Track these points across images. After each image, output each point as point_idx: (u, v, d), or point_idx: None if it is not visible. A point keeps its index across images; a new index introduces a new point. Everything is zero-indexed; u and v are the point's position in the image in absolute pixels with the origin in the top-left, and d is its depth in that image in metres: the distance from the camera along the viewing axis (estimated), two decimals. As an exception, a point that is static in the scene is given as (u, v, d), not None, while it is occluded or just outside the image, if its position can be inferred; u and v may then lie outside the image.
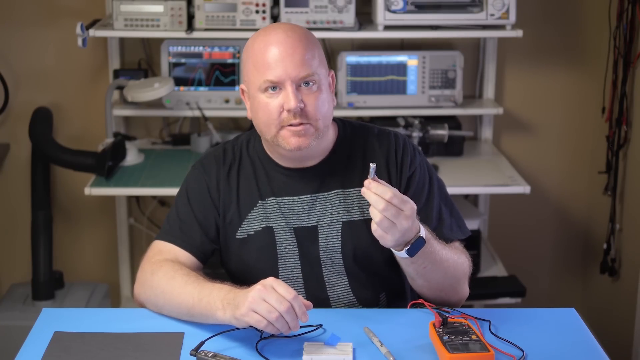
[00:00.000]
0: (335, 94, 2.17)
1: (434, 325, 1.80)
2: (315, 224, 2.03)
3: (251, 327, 1.76)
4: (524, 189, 3.20)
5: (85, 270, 3.81)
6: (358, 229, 2.02)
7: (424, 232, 1.85)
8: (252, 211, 2.04)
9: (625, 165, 3.50)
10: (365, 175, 1.99)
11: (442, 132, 3.39)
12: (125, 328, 1.87)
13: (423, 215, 2.00)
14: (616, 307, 3.55)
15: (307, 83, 1.91)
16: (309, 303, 1.75)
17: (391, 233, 1.79)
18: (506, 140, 3.77)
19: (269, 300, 1.71)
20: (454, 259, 1.96)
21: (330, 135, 2.04)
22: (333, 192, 2.03)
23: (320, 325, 1.86)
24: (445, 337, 1.76)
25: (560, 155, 3.81)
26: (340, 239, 2.02)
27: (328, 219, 2.03)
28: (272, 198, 2.03)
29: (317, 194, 2.03)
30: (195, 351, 1.74)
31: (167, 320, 1.91)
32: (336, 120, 2.09)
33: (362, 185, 2.01)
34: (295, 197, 2.03)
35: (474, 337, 1.76)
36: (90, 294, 3.50)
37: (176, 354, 1.77)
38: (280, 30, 1.94)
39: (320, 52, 1.97)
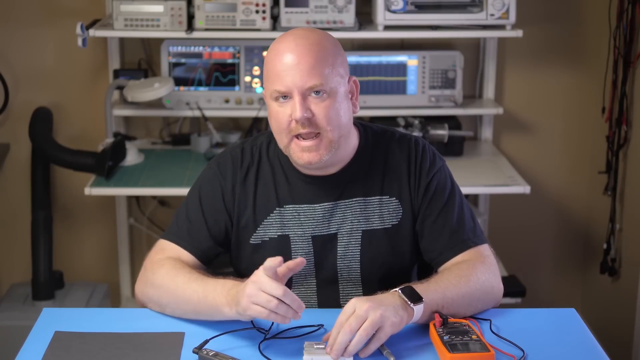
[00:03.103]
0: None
1: (434, 325, 1.80)
2: (335, 231, 2.01)
3: (252, 323, 1.77)
4: (524, 189, 3.20)
5: (85, 270, 3.81)
6: (378, 238, 2.01)
7: (418, 308, 1.79)
8: (268, 217, 2.02)
9: (625, 165, 3.50)
10: (386, 182, 1.98)
11: (442, 132, 3.39)
12: (125, 328, 1.87)
13: (442, 219, 2.00)
14: (616, 307, 3.55)
15: (316, 92, 1.88)
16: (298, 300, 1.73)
17: (376, 340, 1.73)
18: (506, 140, 3.77)
19: (265, 289, 1.70)
20: (469, 289, 1.88)
21: (352, 142, 2.01)
22: (354, 199, 2.01)
23: (322, 326, 1.86)
24: (446, 337, 1.76)
25: (560, 155, 3.81)
26: (359, 248, 2.01)
27: (348, 227, 2.01)
28: (291, 205, 2.01)
29: (337, 202, 2.01)
30: (198, 349, 1.75)
31: (168, 319, 1.91)
32: (357, 125, 2.06)
33: (383, 194, 2.00)
34: (316, 205, 2.01)
35: (474, 337, 1.76)
36: (90, 294, 3.50)
37: (177, 354, 1.77)
38: (292, 38, 1.90)
39: (336, 58, 1.91)
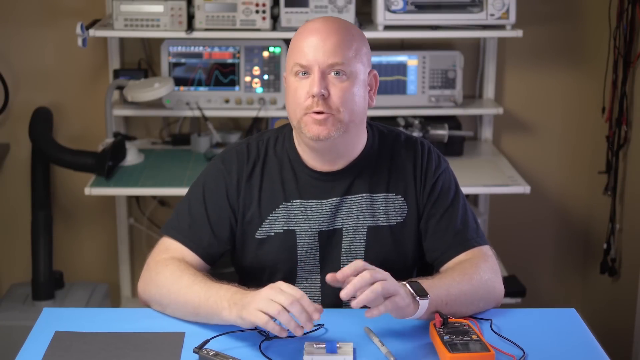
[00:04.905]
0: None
1: (434, 325, 1.80)
2: (340, 226, 2.02)
3: (256, 329, 1.78)
4: (524, 189, 3.20)
5: (85, 270, 3.81)
6: (383, 235, 2.02)
7: (423, 303, 1.80)
8: (274, 212, 2.02)
9: (625, 165, 3.51)
10: (392, 180, 1.98)
11: (442, 132, 3.39)
12: (125, 328, 1.87)
13: (446, 219, 2.01)
14: (616, 307, 3.55)
15: (337, 73, 1.90)
16: (320, 307, 1.72)
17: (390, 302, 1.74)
18: (506, 140, 3.77)
19: (277, 299, 1.71)
20: (471, 286, 1.89)
21: (362, 138, 2.03)
22: (360, 195, 2.02)
23: (322, 325, 1.86)
24: (446, 337, 1.76)
25: (560, 155, 3.81)
26: (364, 244, 2.02)
27: (354, 222, 2.02)
28: (298, 200, 2.01)
29: (344, 197, 2.02)
30: (199, 349, 1.75)
31: (168, 319, 1.91)
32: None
33: (389, 191, 2.01)
34: (323, 201, 2.01)
35: (474, 337, 1.76)
36: (90, 294, 3.50)
37: (177, 354, 1.77)
38: (322, 20, 1.95)
39: (361, 46, 1.95)
